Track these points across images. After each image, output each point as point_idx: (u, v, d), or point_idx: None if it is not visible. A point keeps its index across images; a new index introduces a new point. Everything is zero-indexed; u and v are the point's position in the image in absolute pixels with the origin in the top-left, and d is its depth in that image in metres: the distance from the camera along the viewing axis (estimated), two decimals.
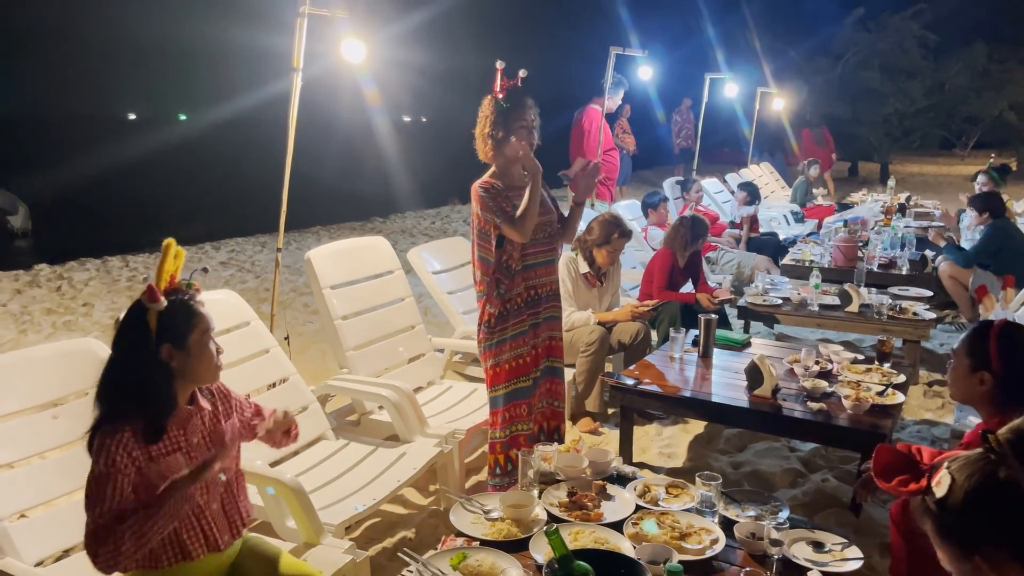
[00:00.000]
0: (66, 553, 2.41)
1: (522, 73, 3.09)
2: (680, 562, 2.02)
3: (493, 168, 3.12)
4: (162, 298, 1.89)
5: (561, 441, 3.31)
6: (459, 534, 2.22)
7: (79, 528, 2.27)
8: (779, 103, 12.92)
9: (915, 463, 2.05)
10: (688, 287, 5.12)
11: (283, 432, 2.20)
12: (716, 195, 9.55)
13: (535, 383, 3.22)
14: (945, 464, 1.20)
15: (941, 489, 1.18)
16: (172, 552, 1.92)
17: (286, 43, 3.75)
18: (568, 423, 3.93)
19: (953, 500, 1.16)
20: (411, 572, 2.04)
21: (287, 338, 3.91)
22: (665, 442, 4.07)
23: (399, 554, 2.13)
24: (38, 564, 2.28)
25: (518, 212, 3.01)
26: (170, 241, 1.97)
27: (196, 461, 1.93)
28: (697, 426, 4.22)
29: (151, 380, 1.87)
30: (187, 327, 1.92)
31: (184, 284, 1.98)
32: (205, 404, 2.05)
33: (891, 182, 11.27)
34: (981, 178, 7.80)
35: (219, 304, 3.25)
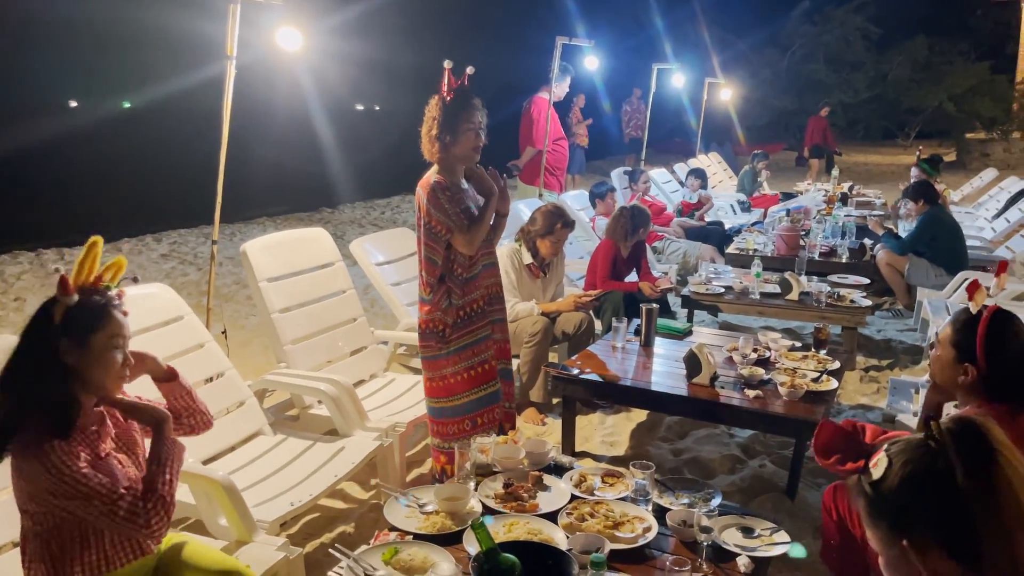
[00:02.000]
0: None
1: (469, 70, 3.05)
2: (612, 550, 2.04)
3: (436, 167, 3.08)
4: (74, 293, 1.83)
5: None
6: (392, 528, 2.20)
7: (3, 529, 2.21)
8: (726, 93, 13.09)
9: (856, 442, 2.05)
10: (633, 276, 5.15)
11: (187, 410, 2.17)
12: (664, 185, 9.65)
13: (499, 392, 3.20)
14: (884, 447, 1.20)
15: (877, 471, 1.18)
16: (130, 550, 1.92)
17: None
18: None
19: (888, 484, 1.16)
20: (342, 568, 2.02)
21: (224, 332, 3.84)
22: (608, 431, 4.10)
23: (330, 550, 2.10)
24: None
25: (471, 226, 3.00)
26: (97, 239, 1.91)
27: (108, 462, 1.89)
28: (640, 415, 4.26)
29: (45, 375, 1.81)
30: (93, 325, 1.85)
31: (104, 286, 1.92)
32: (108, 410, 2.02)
33: (835, 172, 11.54)
34: (914, 170, 8.06)
35: (151, 298, 3.16)
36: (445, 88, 3.00)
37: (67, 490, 1.75)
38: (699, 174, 8.97)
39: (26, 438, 1.77)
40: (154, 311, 3.12)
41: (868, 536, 1.22)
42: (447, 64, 3.00)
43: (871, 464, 1.20)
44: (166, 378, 2.14)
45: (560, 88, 7.09)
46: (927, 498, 1.13)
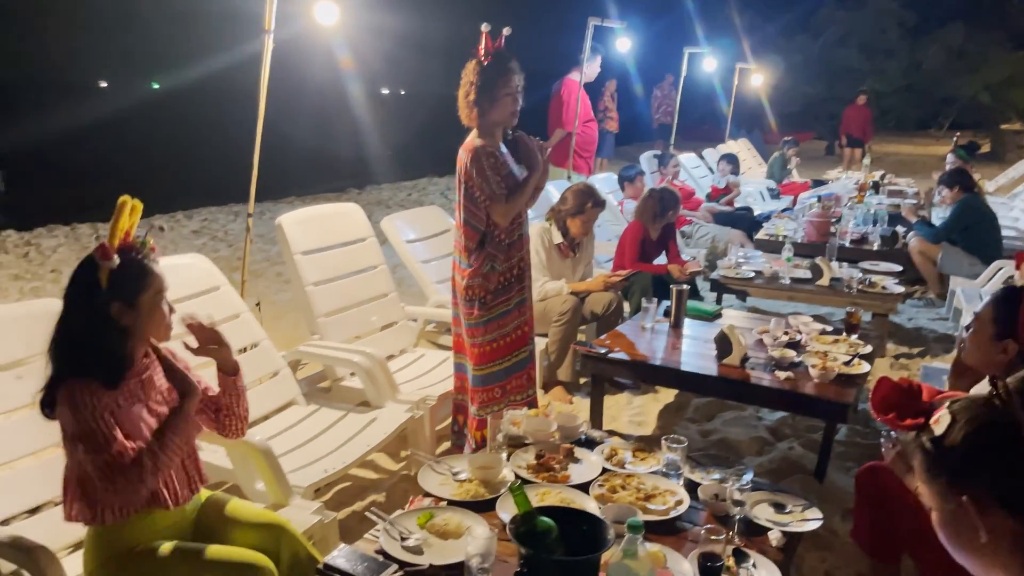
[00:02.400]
0: (33, 512, 2.39)
1: (506, 31, 3.01)
2: (645, 522, 2.05)
3: (476, 132, 3.08)
4: (115, 256, 1.85)
5: (535, 405, 3.33)
6: (427, 494, 2.24)
7: (46, 486, 2.27)
8: (758, 79, 12.94)
9: (914, 399, 2.02)
10: (662, 259, 5.14)
11: (232, 393, 2.17)
12: (693, 170, 9.60)
13: (531, 353, 3.26)
14: (947, 404, 1.20)
15: (940, 427, 1.17)
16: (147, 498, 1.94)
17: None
18: (540, 391, 3.96)
19: (951, 440, 1.15)
20: (378, 531, 2.05)
21: (258, 304, 3.88)
22: (635, 411, 4.11)
23: (367, 513, 2.14)
24: (5, 522, 2.27)
25: (510, 197, 3.01)
26: (125, 198, 1.93)
27: (156, 412, 1.94)
28: (667, 396, 4.27)
29: (102, 337, 1.85)
30: (139, 285, 1.89)
31: (139, 242, 1.94)
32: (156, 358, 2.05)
33: (867, 160, 11.39)
34: (949, 157, 7.95)
35: (188, 269, 3.22)
36: (482, 51, 2.99)
37: (80, 429, 1.78)
38: (731, 159, 8.92)
39: (71, 384, 1.82)
40: (191, 281, 3.17)
41: (923, 493, 1.21)
42: (484, 27, 2.98)
43: (932, 421, 1.19)
44: (231, 371, 2.15)
45: (591, 68, 7.06)
46: (991, 454, 1.12)
